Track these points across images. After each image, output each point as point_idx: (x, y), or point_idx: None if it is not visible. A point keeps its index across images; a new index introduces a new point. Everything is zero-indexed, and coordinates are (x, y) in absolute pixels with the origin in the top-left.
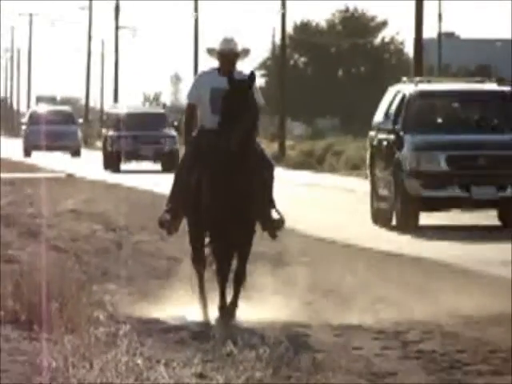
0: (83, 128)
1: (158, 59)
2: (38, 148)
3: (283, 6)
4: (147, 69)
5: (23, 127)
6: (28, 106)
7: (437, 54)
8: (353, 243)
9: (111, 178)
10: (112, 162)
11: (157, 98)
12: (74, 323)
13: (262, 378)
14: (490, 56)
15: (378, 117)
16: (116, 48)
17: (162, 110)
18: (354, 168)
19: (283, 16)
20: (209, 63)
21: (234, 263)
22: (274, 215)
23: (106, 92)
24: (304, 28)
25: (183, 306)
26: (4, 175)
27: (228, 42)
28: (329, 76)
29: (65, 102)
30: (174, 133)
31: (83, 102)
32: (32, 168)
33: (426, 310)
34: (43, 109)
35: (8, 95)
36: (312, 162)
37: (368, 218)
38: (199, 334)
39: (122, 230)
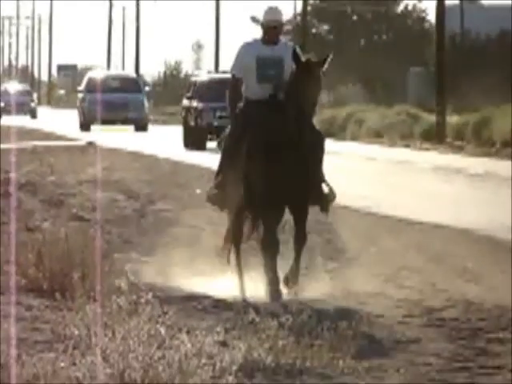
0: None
1: (179, 27)
2: (97, 121)
3: None
4: (169, 36)
5: (79, 95)
6: (49, 75)
7: (459, 20)
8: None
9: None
10: (196, 139)
11: (177, 66)
12: (96, 292)
13: (284, 346)
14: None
15: None
16: (137, 15)
17: None
18: (376, 136)
19: None
20: (231, 31)
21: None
22: (325, 189)
23: (127, 60)
24: None
25: (205, 274)
26: (24, 144)
27: (274, 12)
28: (351, 44)
29: (86, 70)
30: None
31: (105, 69)
32: (52, 136)
33: None
34: (102, 74)
35: (29, 64)
36: (334, 130)
37: (391, 186)
38: (221, 302)
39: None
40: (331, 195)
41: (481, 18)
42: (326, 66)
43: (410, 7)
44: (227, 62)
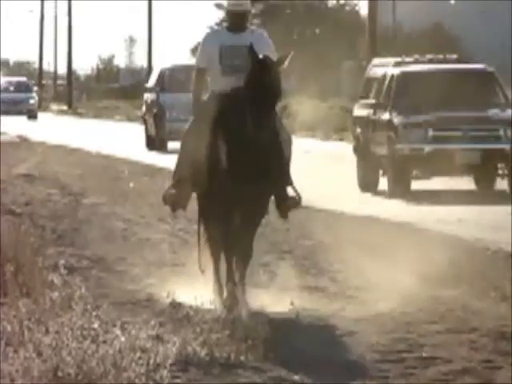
0: (44, 92)
1: (112, 21)
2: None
3: None
4: (101, 31)
5: (145, 97)
6: None
7: (391, 14)
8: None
9: None
10: None
11: (110, 61)
12: (28, 287)
13: (218, 339)
14: (444, 15)
15: None
16: (69, 10)
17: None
18: (309, 129)
19: None
20: (163, 27)
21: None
22: (290, 192)
23: (60, 55)
24: None
25: (138, 268)
26: None
27: None
28: (284, 37)
29: (18, 65)
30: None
31: (37, 65)
32: None
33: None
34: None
35: None
36: None
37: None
38: (155, 296)
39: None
40: (296, 200)
41: (413, 11)
42: (286, 63)
43: (342, 1)
44: (160, 57)
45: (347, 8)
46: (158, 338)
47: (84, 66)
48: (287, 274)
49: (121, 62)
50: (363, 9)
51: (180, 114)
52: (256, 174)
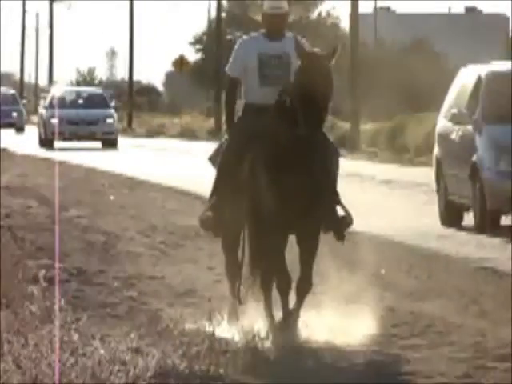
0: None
1: (93, 34)
2: None
3: None
4: (83, 43)
5: None
6: None
7: (373, 28)
8: None
9: None
10: None
11: (91, 73)
12: (8, 299)
13: (198, 352)
14: (425, 30)
15: None
16: (51, 22)
17: None
18: None
19: None
20: (144, 38)
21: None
22: (340, 212)
23: (41, 67)
24: (240, 2)
25: (119, 280)
26: None
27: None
28: None
29: (1, 77)
30: None
31: (18, 77)
32: None
33: None
34: None
35: None
36: None
37: None
38: (135, 308)
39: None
40: (347, 219)
41: (394, 25)
42: (334, 59)
43: (324, 14)
44: (141, 69)
45: (329, 21)
46: (138, 351)
47: (65, 78)
48: None
49: (102, 74)
50: (345, 22)
51: None
52: (308, 193)
